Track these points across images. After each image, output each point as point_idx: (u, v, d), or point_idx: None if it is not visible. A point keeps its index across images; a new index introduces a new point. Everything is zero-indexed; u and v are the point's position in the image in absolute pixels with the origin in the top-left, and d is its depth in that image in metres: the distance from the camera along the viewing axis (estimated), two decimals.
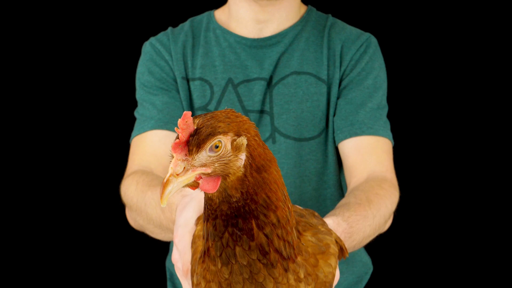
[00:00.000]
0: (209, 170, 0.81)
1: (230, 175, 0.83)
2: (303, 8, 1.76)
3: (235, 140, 0.82)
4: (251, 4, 1.64)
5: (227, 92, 1.62)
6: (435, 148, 2.40)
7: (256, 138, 0.86)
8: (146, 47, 1.75)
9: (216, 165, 0.81)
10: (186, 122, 0.80)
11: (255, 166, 0.84)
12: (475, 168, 2.38)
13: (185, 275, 1.00)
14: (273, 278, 0.87)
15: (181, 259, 1.02)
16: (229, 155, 0.82)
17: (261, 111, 1.62)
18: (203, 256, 0.90)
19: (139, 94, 1.71)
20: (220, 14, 1.76)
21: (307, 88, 1.61)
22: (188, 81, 1.67)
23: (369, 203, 1.33)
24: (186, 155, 0.80)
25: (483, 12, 2.34)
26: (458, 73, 2.39)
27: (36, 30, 2.41)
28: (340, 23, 1.74)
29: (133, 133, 1.68)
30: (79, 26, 2.42)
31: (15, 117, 2.42)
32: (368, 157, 1.55)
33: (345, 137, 1.59)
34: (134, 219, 1.48)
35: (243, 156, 0.83)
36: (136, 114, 1.72)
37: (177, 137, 0.81)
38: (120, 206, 1.59)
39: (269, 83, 1.63)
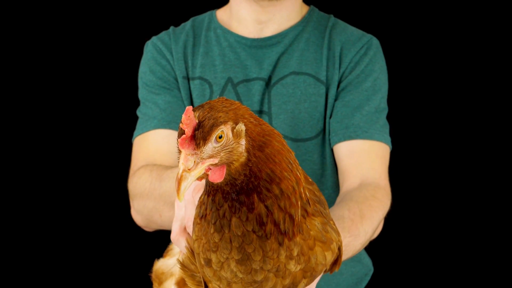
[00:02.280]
0: (216, 161, 0.84)
1: (234, 162, 0.85)
2: (305, 9, 1.75)
3: (234, 127, 0.84)
4: (252, 4, 1.64)
5: (227, 91, 1.62)
6: (436, 150, 2.37)
7: (252, 119, 0.88)
8: (148, 46, 1.76)
9: (221, 155, 0.84)
10: (189, 117, 0.82)
11: (257, 145, 0.87)
12: (475, 170, 2.35)
13: (183, 232, 1.02)
14: (262, 250, 0.88)
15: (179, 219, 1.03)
16: (231, 143, 0.84)
17: (260, 111, 1.62)
18: (201, 218, 0.93)
19: (142, 93, 1.72)
20: (221, 14, 1.76)
21: (306, 89, 1.61)
22: (188, 80, 1.68)
23: (362, 218, 1.32)
24: (194, 149, 0.82)
25: (483, 13, 2.32)
26: (460, 75, 2.36)
27: (37, 30, 2.42)
28: (341, 24, 1.72)
29: (135, 132, 1.69)
30: (81, 26, 2.43)
31: (18, 117, 2.43)
32: (362, 162, 1.54)
33: (339, 140, 1.57)
34: (143, 206, 1.48)
35: (243, 142, 0.86)
36: (138, 113, 1.72)
37: (182, 133, 0.82)
38: (120, 206, 1.60)
39: (268, 83, 1.63)
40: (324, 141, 1.64)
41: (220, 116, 0.83)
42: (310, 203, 0.95)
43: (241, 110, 0.87)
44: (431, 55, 2.37)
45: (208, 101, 0.86)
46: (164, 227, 1.47)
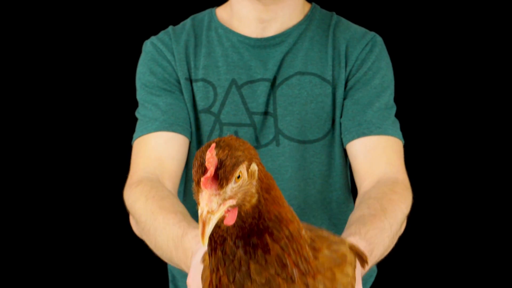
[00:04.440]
0: (234, 202, 0.80)
1: (246, 203, 0.82)
2: (307, 6, 1.71)
3: (248, 167, 0.81)
4: (254, 2, 1.59)
5: (231, 93, 1.58)
6: (442, 148, 2.36)
7: (259, 161, 0.85)
8: (147, 46, 1.69)
9: (238, 195, 0.80)
10: (213, 155, 0.78)
11: (264, 187, 0.83)
12: (482, 170, 2.34)
13: None
14: None
15: None
16: (246, 183, 0.81)
17: (265, 113, 1.58)
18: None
19: (140, 95, 1.66)
20: (221, 12, 1.71)
21: (312, 89, 1.57)
22: (191, 82, 1.63)
23: (384, 212, 1.28)
24: (217, 189, 0.78)
25: (489, 10, 2.31)
26: (463, 72, 2.35)
27: (33, 27, 2.38)
28: (344, 22, 1.69)
29: (135, 134, 1.62)
30: (77, 24, 2.39)
31: (15, 118, 2.40)
32: (378, 158, 1.50)
33: (353, 138, 1.54)
34: (140, 232, 1.42)
35: (255, 183, 0.83)
36: (137, 114, 1.66)
37: (202, 171, 0.78)
38: (121, 208, 1.56)
39: (273, 83, 1.59)
40: (332, 142, 1.61)
41: (240, 155, 0.80)
42: (310, 236, 0.93)
43: (252, 150, 0.84)
44: (433, 53, 2.35)
45: (219, 138, 0.83)
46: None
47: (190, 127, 1.60)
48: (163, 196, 1.37)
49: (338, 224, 1.67)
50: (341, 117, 1.59)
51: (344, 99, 1.59)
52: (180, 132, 1.56)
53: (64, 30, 2.38)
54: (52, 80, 2.39)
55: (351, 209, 1.65)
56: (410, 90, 2.28)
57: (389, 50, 1.70)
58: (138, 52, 1.74)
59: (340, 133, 1.60)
